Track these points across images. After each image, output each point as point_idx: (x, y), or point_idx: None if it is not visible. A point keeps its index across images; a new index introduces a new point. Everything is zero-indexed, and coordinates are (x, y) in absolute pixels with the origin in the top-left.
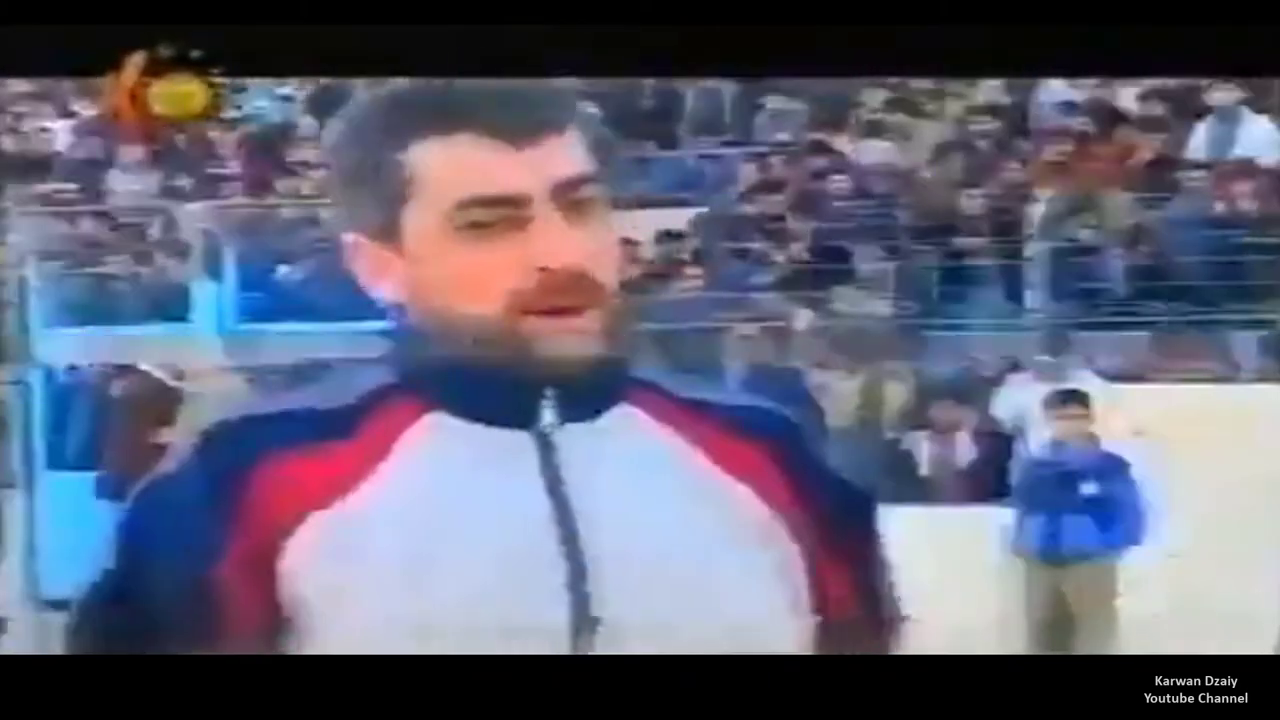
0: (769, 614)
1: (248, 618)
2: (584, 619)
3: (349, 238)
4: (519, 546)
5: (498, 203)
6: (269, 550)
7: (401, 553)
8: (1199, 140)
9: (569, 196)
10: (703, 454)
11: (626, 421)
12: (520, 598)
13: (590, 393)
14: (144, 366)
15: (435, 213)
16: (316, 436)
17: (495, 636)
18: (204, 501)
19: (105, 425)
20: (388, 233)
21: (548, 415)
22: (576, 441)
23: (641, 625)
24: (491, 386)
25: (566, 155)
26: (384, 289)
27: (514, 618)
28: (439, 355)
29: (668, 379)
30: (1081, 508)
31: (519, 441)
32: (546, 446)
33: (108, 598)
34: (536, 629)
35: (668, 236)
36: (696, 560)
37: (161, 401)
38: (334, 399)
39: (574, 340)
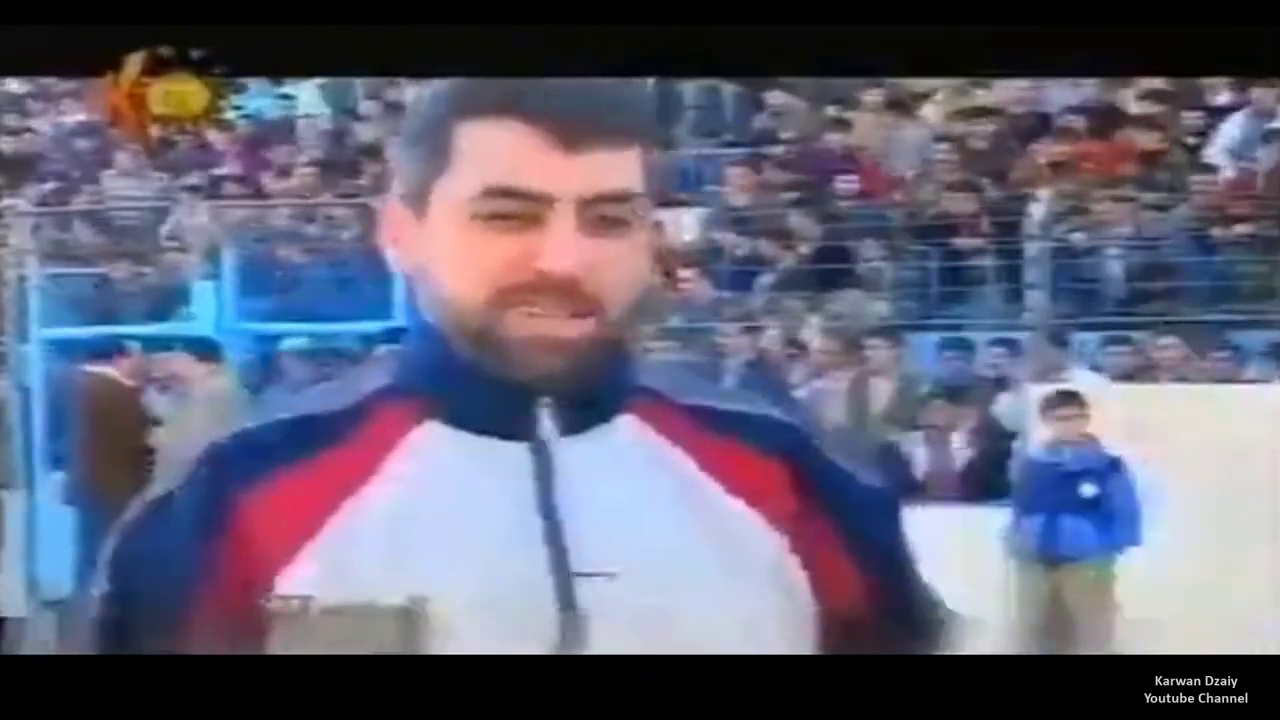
0: (769, 640)
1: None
2: (573, 634)
3: (383, 200)
4: (508, 562)
5: (520, 196)
6: (265, 575)
7: (392, 565)
8: (1222, 139)
9: (596, 210)
10: (704, 469)
11: (626, 433)
12: (509, 613)
13: (588, 402)
14: (111, 372)
15: (462, 191)
16: (312, 446)
17: (484, 649)
18: (197, 531)
19: (76, 428)
20: (417, 198)
21: (545, 425)
22: (573, 454)
23: (634, 645)
24: (487, 392)
25: (612, 170)
26: (397, 253)
27: (503, 634)
28: (434, 355)
29: (670, 384)
30: (1079, 508)
31: (514, 453)
32: (543, 458)
33: (99, 627)
34: (526, 644)
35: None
36: (690, 577)
37: (131, 408)
38: (333, 402)
39: (552, 345)
